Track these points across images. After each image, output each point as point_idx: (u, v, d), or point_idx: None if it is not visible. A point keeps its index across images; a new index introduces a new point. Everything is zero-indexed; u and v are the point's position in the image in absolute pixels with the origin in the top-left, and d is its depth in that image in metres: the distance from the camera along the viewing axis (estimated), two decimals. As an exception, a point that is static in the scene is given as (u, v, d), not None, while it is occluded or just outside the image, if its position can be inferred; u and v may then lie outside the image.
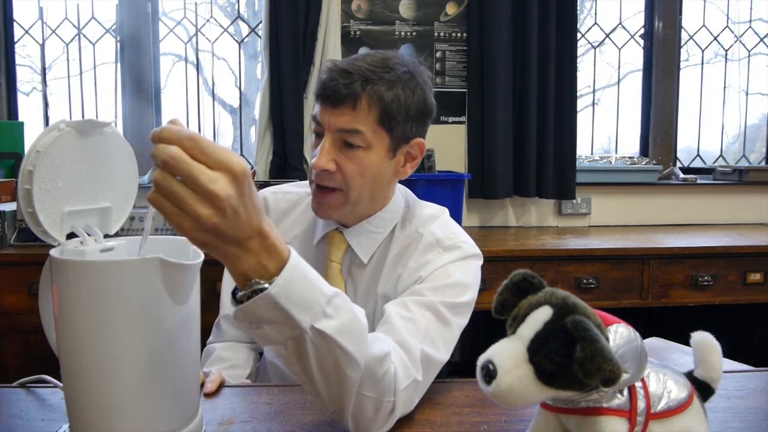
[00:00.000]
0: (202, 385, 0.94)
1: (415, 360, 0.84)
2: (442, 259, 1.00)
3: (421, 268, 1.00)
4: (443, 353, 0.90)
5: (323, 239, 1.08)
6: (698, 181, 2.80)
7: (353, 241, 1.05)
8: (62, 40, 2.63)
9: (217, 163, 0.55)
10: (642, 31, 2.89)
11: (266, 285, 0.61)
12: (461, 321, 0.96)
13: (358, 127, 0.95)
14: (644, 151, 2.95)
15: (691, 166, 3.01)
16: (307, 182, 1.18)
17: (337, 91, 0.94)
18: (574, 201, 2.68)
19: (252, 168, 2.51)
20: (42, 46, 2.61)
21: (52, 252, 0.66)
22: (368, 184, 0.99)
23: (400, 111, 0.97)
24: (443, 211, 1.11)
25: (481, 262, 1.05)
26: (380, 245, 1.06)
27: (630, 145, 2.99)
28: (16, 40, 2.62)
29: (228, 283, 1.19)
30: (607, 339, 0.57)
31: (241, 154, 2.75)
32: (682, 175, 2.82)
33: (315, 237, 1.09)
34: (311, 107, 2.45)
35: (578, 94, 2.64)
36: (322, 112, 0.97)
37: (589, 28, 2.87)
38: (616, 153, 2.91)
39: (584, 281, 2.12)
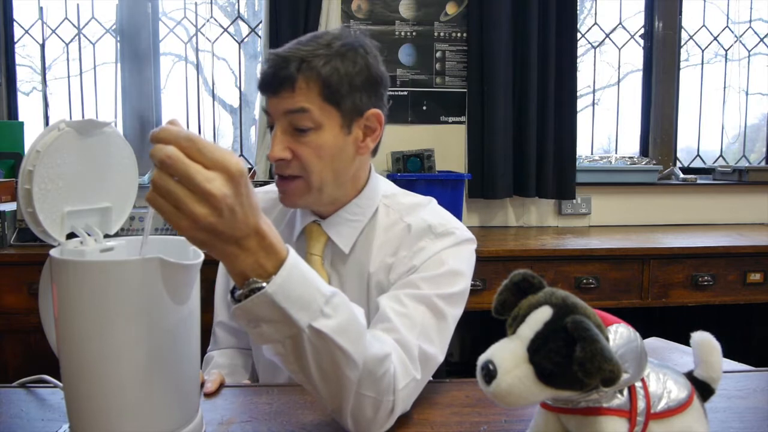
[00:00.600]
0: (202, 385, 0.94)
1: (414, 358, 0.84)
2: (434, 246, 0.97)
3: (414, 256, 0.98)
4: (438, 350, 0.90)
5: (302, 234, 1.06)
6: (698, 181, 2.80)
7: (332, 232, 1.03)
8: (62, 40, 2.63)
9: (214, 163, 0.56)
10: (642, 31, 2.89)
11: (264, 284, 0.61)
12: (456, 311, 0.95)
13: (303, 105, 0.93)
14: (644, 151, 2.95)
15: (691, 166, 3.01)
16: None
17: (275, 77, 0.93)
18: (574, 201, 2.68)
19: (252, 168, 2.51)
20: (42, 46, 2.61)
21: (52, 252, 0.66)
22: (328, 165, 0.97)
23: (342, 83, 0.94)
24: (430, 200, 1.09)
25: (474, 246, 1.03)
26: (361, 233, 1.04)
27: (630, 145, 2.99)
28: (16, 40, 2.62)
29: (220, 289, 1.19)
30: (607, 339, 0.57)
31: (241, 154, 2.76)
32: (682, 175, 2.82)
33: (294, 233, 1.07)
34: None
35: (578, 94, 2.64)
36: (268, 103, 0.97)
37: (589, 28, 2.87)
38: (616, 153, 2.91)
39: (584, 281, 2.12)
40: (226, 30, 2.71)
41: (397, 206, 1.06)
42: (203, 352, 1.16)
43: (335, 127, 0.96)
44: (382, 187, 1.09)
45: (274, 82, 0.94)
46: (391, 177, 2.15)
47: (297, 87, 0.93)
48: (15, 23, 2.61)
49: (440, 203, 1.12)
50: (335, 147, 0.96)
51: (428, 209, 1.05)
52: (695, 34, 2.93)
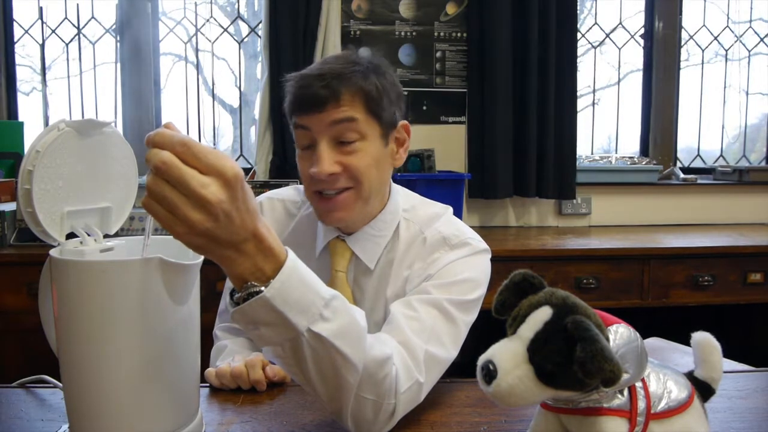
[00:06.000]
0: (203, 383, 0.94)
1: (418, 361, 0.84)
2: (449, 257, 0.99)
3: (428, 266, 0.99)
4: (451, 350, 0.90)
5: (325, 250, 1.05)
6: (698, 181, 2.80)
7: (357, 248, 1.03)
8: (62, 40, 2.63)
9: (209, 168, 0.56)
10: (642, 31, 2.89)
11: (262, 288, 0.61)
12: (468, 318, 0.96)
13: (352, 114, 0.95)
14: (644, 151, 2.95)
15: (691, 166, 3.01)
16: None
17: (318, 95, 0.94)
18: (575, 201, 2.68)
19: (251, 168, 2.51)
20: (42, 46, 2.61)
21: (52, 252, 0.66)
22: (375, 173, 0.98)
23: (382, 97, 0.97)
24: (446, 209, 1.10)
25: (489, 256, 1.04)
26: (385, 249, 1.04)
27: (630, 145, 2.99)
28: (16, 39, 2.62)
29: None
30: (608, 339, 0.56)
31: (241, 154, 2.75)
32: (682, 175, 2.81)
33: (316, 249, 1.06)
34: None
35: (578, 94, 2.64)
36: (308, 120, 0.96)
37: (589, 28, 2.87)
38: (616, 153, 2.91)
39: (584, 281, 2.12)
40: (226, 30, 2.71)
41: (417, 219, 1.06)
42: (203, 352, 1.16)
43: (377, 138, 0.99)
44: (402, 199, 1.09)
45: (318, 98, 0.94)
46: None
47: (342, 99, 0.94)
48: (15, 23, 2.60)
49: (440, 203, 1.13)
50: (380, 156, 0.99)
51: (443, 220, 1.06)
52: (695, 34, 2.93)
